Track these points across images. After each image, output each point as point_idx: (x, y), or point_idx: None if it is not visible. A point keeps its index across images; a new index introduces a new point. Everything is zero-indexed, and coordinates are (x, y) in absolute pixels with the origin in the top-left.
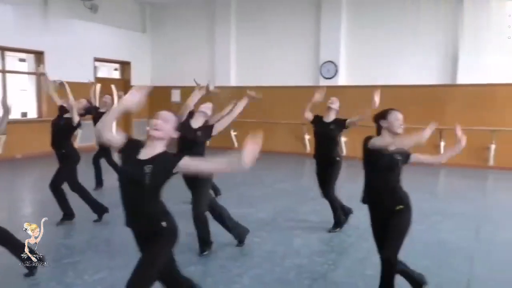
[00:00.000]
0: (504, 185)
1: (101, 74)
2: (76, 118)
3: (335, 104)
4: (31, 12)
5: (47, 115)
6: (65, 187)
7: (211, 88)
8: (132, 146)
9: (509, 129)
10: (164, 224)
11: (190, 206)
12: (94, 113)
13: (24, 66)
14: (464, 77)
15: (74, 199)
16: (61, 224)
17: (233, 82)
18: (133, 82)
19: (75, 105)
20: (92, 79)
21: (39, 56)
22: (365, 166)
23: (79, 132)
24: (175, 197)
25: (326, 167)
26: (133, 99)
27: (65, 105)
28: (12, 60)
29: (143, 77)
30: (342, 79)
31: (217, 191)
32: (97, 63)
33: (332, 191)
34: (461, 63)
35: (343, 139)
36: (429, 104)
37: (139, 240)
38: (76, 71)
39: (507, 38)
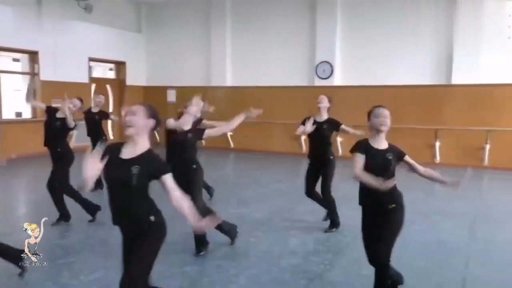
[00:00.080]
0: (500, 185)
1: (96, 74)
2: (72, 123)
3: (323, 102)
4: (25, 12)
5: (42, 115)
6: None
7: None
8: (112, 149)
9: (504, 129)
10: (152, 218)
11: None
12: (87, 114)
13: (18, 66)
14: (460, 77)
15: (68, 200)
16: (56, 224)
17: (229, 82)
18: (128, 82)
19: (70, 110)
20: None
21: (33, 56)
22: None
23: (74, 133)
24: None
25: (320, 167)
26: (94, 168)
27: (55, 105)
28: (5, 60)
29: (138, 77)
30: (337, 79)
31: (209, 189)
32: (92, 63)
33: (329, 190)
34: (456, 63)
35: (339, 139)
36: (425, 104)
37: (127, 238)
38: (70, 71)
39: (504, 38)
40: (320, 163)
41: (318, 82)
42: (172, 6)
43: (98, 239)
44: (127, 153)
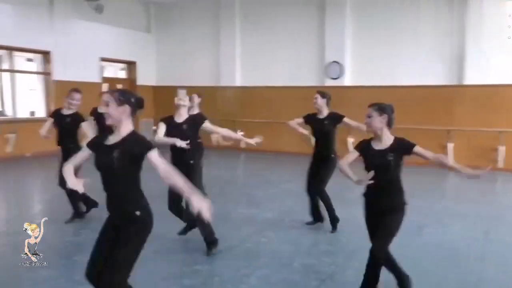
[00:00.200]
0: None
1: (108, 74)
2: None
3: (317, 102)
4: (37, 13)
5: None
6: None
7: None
8: (100, 138)
9: None
10: (138, 213)
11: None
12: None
13: (32, 66)
14: (471, 78)
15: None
16: (70, 222)
17: (238, 82)
18: (139, 81)
19: (74, 105)
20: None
21: (46, 56)
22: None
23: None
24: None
25: (320, 164)
26: (77, 185)
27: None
28: (20, 60)
29: (148, 77)
30: (348, 80)
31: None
32: (103, 63)
33: (323, 187)
34: (468, 64)
35: (350, 140)
36: (436, 105)
37: (111, 224)
38: (82, 71)
39: None
40: (320, 160)
41: (329, 83)
42: (181, 6)
43: None
44: (112, 140)
